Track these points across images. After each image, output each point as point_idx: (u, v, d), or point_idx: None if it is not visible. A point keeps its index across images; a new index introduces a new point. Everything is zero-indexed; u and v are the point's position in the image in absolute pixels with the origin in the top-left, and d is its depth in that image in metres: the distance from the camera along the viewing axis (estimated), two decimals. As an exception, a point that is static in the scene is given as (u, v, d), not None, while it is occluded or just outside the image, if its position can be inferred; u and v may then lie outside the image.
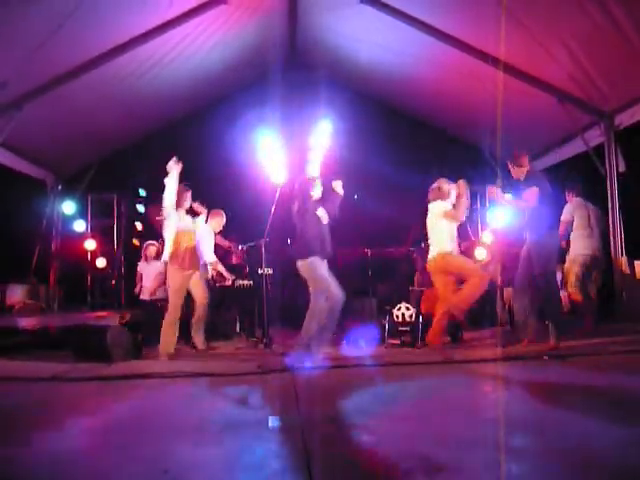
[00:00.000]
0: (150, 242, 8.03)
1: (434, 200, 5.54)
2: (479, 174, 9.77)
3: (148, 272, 7.85)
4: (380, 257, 8.19)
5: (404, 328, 6.33)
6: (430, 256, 5.49)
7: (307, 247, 5.29)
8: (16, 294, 8.80)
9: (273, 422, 2.84)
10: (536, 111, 8.32)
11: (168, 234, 5.88)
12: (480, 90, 8.30)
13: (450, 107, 9.68)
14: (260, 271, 6.73)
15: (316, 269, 5.22)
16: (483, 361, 4.89)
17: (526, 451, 2.30)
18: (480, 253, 8.87)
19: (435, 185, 5.61)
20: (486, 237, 9.23)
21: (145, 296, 7.70)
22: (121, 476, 2.08)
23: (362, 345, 6.21)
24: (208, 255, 6.63)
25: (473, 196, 10.53)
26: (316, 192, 5.64)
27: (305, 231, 5.35)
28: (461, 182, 5.52)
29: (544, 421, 2.78)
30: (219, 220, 6.95)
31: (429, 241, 5.61)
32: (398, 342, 6.33)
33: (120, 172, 10.31)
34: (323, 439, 2.50)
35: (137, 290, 7.98)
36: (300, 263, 5.26)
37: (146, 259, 8.03)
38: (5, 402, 3.66)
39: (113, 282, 10.10)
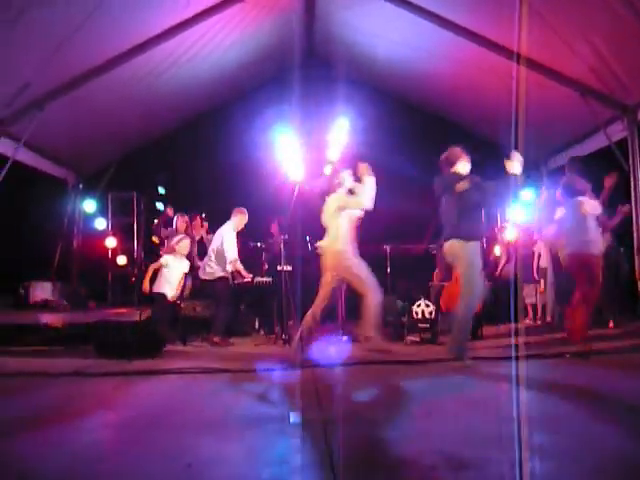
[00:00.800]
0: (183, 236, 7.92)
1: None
2: (499, 171, 9.69)
3: (174, 268, 7.65)
4: (399, 253, 8.15)
5: (424, 325, 6.30)
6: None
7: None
8: (39, 291, 8.93)
9: (294, 418, 2.84)
10: (557, 106, 8.21)
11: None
12: (499, 85, 8.21)
13: (469, 103, 9.61)
14: (279, 268, 6.75)
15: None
16: (504, 358, 4.84)
17: (548, 450, 2.28)
18: (496, 249, 8.83)
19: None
20: (506, 233, 9.14)
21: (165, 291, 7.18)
22: (146, 469, 2.10)
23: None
24: (229, 253, 6.68)
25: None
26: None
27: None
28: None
29: (566, 420, 2.76)
30: (242, 218, 7.00)
31: None
32: (418, 339, 6.31)
33: (139, 170, 10.40)
34: (345, 435, 2.50)
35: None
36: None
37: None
38: (29, 397, 3.71)
39: (133, 279, 10.17)
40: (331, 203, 5.28)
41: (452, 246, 4.91)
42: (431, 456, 2.16)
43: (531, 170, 9.96)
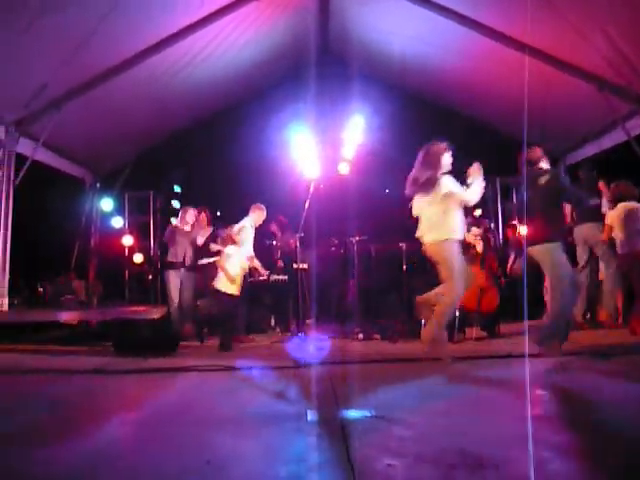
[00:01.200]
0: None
1: None
2: (514, 166, 9.60)
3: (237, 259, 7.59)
4: (415, 251, 8.11)
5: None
6: None
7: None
8: (57, 289, 9.04)
9: (311, 415, 2.85)
10: (573, 100, 8.11)
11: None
12: (515, 80, 8.12)
13: (484, 98, 9.53)
14: (295, 266, 6.77)
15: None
16: (521, 356, 4.80)
17: (568, 450, 2.26)
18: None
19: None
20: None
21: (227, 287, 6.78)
22: (164, 466, 2.11)
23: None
24: (245, 250, 6.72)
25: (509, 188, 10.44)
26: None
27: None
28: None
29: (586, 420, 2.73)
30: (260, 214, 7.04)
31: None
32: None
33: (155, 169, 10.48)
34: (362, 432, 2.50)
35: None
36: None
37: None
38: (51, 394, 3.76)
39: (150, 277, 10.26)
40: (442, 185, 4.85)
41: (539, 251, 4.91)
42: (450, 455, 2.15)
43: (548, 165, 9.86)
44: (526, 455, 2.13)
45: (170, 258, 7.21)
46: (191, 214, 7.52)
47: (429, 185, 4.82)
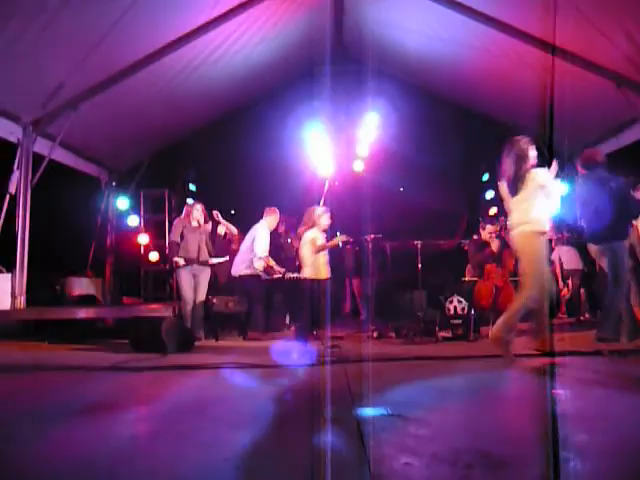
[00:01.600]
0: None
1: None
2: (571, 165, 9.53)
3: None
4: (430, 249, 8.10)
5: (456, 321, 6.25)
6: None
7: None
8: (75, 287, 9.12)
9: (328, 413, 2.85)
10: (591, 97, 8.01)
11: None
12: (532, 77, 8.06)
13: (501, 95, 9.45)
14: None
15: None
16: (539, 355, 4.76)
17: (586, 449, 2.24)
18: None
19: None
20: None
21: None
22: (184, 463, 2.12)
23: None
24: (259, 249, 6.75)
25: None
26: None
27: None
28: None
29: (604, 419, 2.70)
30: (275, 217, 7.09)
31: None
32: (450, 335, 6.26)
33: (170, 168, 10.54)
34: (379, 431, 2.50)
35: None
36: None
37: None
38: (67, 391, 3.80)
39: (165, 275, 10.32)
40: (536, 177, 4.75)
41: (605, 249, 5.30)
42: (468, 454, 2.14)
43: (565, 163, 9.77)
44: (545, 455, 2.11)
45: (181, 254, 7.03)
46: (199, 210, 7.26)
47: (521, 178, 4.79)
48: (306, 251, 6.32)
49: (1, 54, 6.27)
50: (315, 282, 6.21)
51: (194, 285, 6.96)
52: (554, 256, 8.26)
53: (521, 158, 4.82)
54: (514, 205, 4.86)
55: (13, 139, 7.72)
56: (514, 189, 4.82)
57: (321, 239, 6.37)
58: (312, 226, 6.40)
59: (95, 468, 2.12)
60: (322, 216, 6.45)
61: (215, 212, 7.47)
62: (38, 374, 4.53)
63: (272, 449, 2.30)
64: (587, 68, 7.55)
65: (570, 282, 8.18)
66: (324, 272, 6.34)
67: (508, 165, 4.90)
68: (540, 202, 4.71)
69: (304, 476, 1.98)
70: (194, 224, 7.21)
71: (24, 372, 4.61)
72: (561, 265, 8.17)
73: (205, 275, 7.10)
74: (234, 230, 7.57)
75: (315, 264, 6.25)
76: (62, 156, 8.84)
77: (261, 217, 7.29)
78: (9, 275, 7.71)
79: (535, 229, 4.64)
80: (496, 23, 7.47)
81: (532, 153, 4.89)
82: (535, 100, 8.06)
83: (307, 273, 6.27)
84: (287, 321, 7.85)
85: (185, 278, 6.95)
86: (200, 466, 2.09)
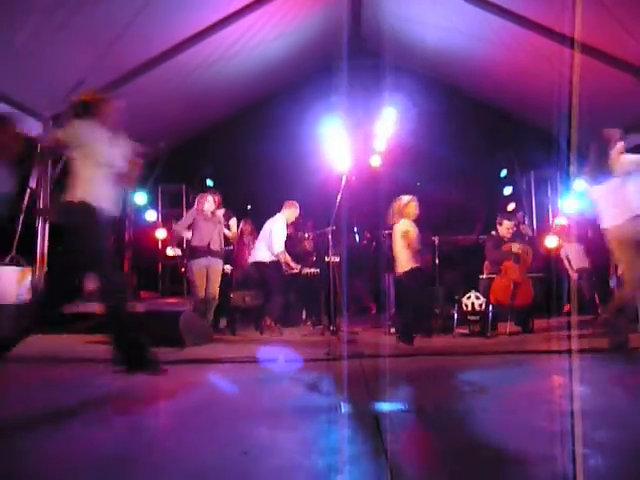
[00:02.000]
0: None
1: None
2: (549, 159, 9.43)
3: None
4: (448, 245, 8.05)
5: (473, 317, 6.22)
6: None
7: None
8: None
9: (345, 408, 2.85)
10: (612, 91, 7.90)
11: None
12: (551, 71, 7.96)
13: (520, 91, 9.35)
14: (327, 259, 6.78)
15: None
16: (557, 352, 4.72)
17: (605, 445, 2.21)
18: (551, 240, 8.61)
19: None
20: (558, 224, 8.91)
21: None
22: (201, 457, 2.14)
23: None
24: (276, 245, 6.74)
25: (544, 182, 10.26)
26: None
27: None
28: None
29: (625, 416, 2.67)
30: (294, 211, 7.06)
31: None
32: (467, 331, 6.23)
33: (188, 163, 10.58)
34: (397, 426, 2.49)
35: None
36: None
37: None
38: (86, 384, 3.84)
39: (182, 270, 10.39)
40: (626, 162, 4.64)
41: None
42: (487, 450, 2.12)
43: (584, 159, 9.65)
44: (565, 452, 2.10)
45: (195, 242, 6.85)
46: (210, 202, 7.07)
47: (608, 169, 4.72)
48: (399, 245, 5.88)
49: (21, 51, 6.34)
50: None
51: (206, 275, 6.79)
52: (562, 254, 8.18)
53: (609, 149, 4.80)
54: (604, 199, 4.75)
55: (33, 134, 7.81)
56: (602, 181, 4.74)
57: (414, 231, 5.91)
58: (401, 217, 5.97)
59: (112, 460, 2.14)
60: (409, 205, 6.02)
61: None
62: (57, 366, 4.60)
63: (290, 442, 2.30)
64: (606, 61, 7.44)
65: (583, 281, 8.05)
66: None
67: (596, 156, 4.88)
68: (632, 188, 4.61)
69: (322, 469, 1.98)
70: (207, 214, 7.04)
71: (44, 364, 4.68)
72: (569, 263, 8.08)
73: (217, 266, 6.88)
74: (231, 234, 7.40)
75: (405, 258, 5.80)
76: (81, 151, 8.91)
77: (278, 212, 7.24)
78: (29, 269, 7.81)
79: (627, 217, 4.52)
80: (514, 16, 7.39)
81: (619, 144, 4.86)
82: (554, 94, 7.99)
83: (401, 268, 5.80)
84: (304, 316, 7.87)
85: (197, 269, 6.81)
86: (217, 459, 2.11)
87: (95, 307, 7.25)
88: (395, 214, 6.04)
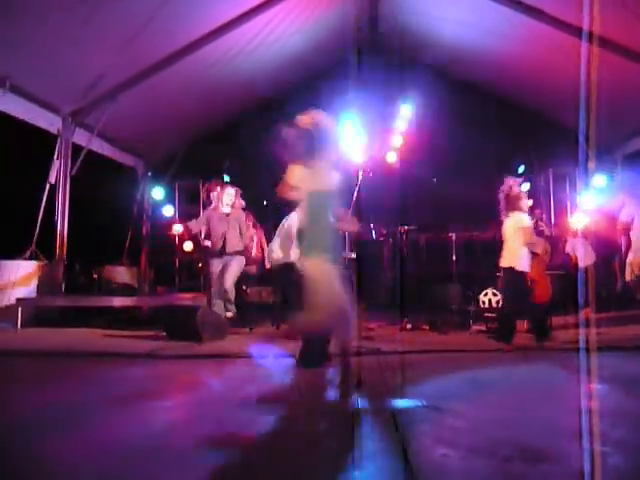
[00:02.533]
0: None
1: None
2: (569, 156, 9.33)
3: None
4: (465, 241, 8.01)
5: (490, 314, 6.18)
6: None
7: None
8: (111, 275, 9.30)
9: (363, 404, 2.85)
10: (632, 86, 7.80)
11: None
12: (569, 66, 7.82)
13: (537, 86, 9.27)
14: (343, 255, 6.76)
15: None
16: (574, 349, 4.67)
17: (624, 444, 2.20)
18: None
19: None
20: (576, 220, 8.80)
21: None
22: (219, 449, 2.16)
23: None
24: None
25: (562, 178, 10.14)
26: None
27: None
28: None
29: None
30: None
31: None
32: (484, 328, 6.20)
33: (205, 158, 10.62)
34: (415, 422, 2.49)
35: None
36: None
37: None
38: (107, 377, 3.89)
39: (199, 265, 10.44)
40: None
41: None
42: (506, 447, 2.12)
43: (604, 155, 9.54)
44: (584, 449, 2.09)
45: (210, 243, 6.83)
46: (230, 195, 6.92)
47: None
48: (515, 240, 5.33)
49: (42, 47, 6.42)
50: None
51: (222, 270, 6.76)
52: (568, 248, 8.08)
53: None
54: None
55: (53, 130, 7.91)
56: None
57: (530, 226, 5.44)
58: (513, 210, 5.43)
59: (130, 450, 2.17)
60: (521, 194, 5.50)
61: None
62: (78, 360, 4.66)
63: (309, 438, 2.31)
64: (626, 56, 7.33)
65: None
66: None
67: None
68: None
69: (342, 464, 1.99)
70: (225, 210, 6.94)
71: (64, 357, 4.74)
72: (575, 258, 7.99)
73: (235, 262, 6.80)
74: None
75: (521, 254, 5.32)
76: (100, 146, 9.01)
77: (293, 209, 7.21)
78: (49, 262, 7.92)
79: None
80: (533, 11, 7.31)
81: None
82: (572, 90, 7.87)
83: (520, 266, 5.31)
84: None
85: (213, 268, 6.83)
86: (233, 449, 2.13)
87: (114, 301, 7.39)
88: (507, 206, 5.48)
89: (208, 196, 7.43)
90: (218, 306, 6.64)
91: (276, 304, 7.00)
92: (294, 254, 6.78)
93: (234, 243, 6.85)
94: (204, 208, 10.52)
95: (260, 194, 9.09)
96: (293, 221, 6.85)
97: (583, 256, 7.91)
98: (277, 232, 7.14)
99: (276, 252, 6.86)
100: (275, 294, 7.05)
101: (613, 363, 4.12)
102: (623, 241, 7.85)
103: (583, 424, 2.42)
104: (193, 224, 7.09)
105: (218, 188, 7.23)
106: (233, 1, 7.34)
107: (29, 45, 6.30)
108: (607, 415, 2.53)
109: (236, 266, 6.82)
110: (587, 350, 4.51)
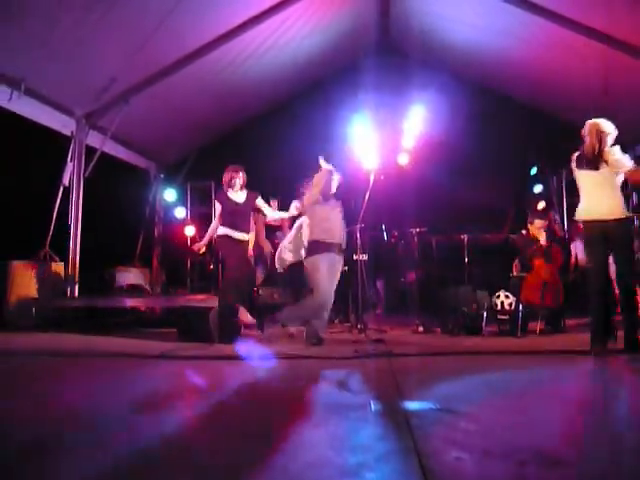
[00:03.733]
0: None
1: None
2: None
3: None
4: (477, 243, 7.96)
5: (503, 317, 6.15)
6: None
7: None
8: (123, 277, 9.36)
9: (375, 405, 2.85)
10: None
11: None
12: (584, 68, 7.83)
13: (551, 87, 9.22)
14: (355, 257, 6.76)
15: None
16: (585, 352, 4.63)
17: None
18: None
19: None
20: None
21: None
22: (233, 451, 2.16)
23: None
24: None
25: (575, 180, 10.06)
26: None
27: None
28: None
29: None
30: None
31: None
32: (496, 331, 6.17)
33: (217, 160, 10.65)
34: (428, 425, 2.48)
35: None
36: None
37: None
38: (119, 378, 3.91)
39: (211, 266, 10.48)
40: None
41: None
42: (519, 451, 2.10)
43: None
44: (599, 453, 2.06)
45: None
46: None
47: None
48: None
49: (56, 50, 6.48)
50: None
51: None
52: (573, 251, 8.02)
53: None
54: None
55: (67, 132, 7.98)
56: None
57: None
58: None
59: (144, 456, 2.18)
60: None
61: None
62: (91, 360, 4.68)
63: (321, 439, 2.31)
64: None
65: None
66: None
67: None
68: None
69: (354, 466, 1.98)
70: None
71: (75, 358, 4.77)
72: (576, 257, 7.91)
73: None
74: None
75: None
76: (113, 149, 9.09)
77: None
78: (62, 264, 7.98)
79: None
80: (546, 12, 7.28)
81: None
82: (587, 92, 7.85)
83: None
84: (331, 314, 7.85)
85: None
86: (247, 454, 2.13)
87: (126, 302, 7.43)
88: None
89: None
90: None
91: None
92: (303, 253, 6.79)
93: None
94: (215, 209, 10.52)
95: (272, 196, 9.10)
96: (302, 224, 6.86)
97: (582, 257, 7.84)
98: (288, 235, 7.15)
99: (287, 255, 6.88)
100: (285, 295, 7.05)
101: (630, 366, 4.08)
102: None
103: (599, 428, 2.40)
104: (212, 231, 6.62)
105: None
106: (244, 4, 7.37)
107: (43, 48, 6.38)
108: (624, 419, 2.50)
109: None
110: (597, 353, 4.47)
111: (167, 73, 7.87)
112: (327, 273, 5.27)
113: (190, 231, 10.55)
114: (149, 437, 2.38)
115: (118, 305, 7.47)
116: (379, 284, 8.91)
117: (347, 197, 7.85)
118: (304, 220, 6.84)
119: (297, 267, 6.85)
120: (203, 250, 10.19)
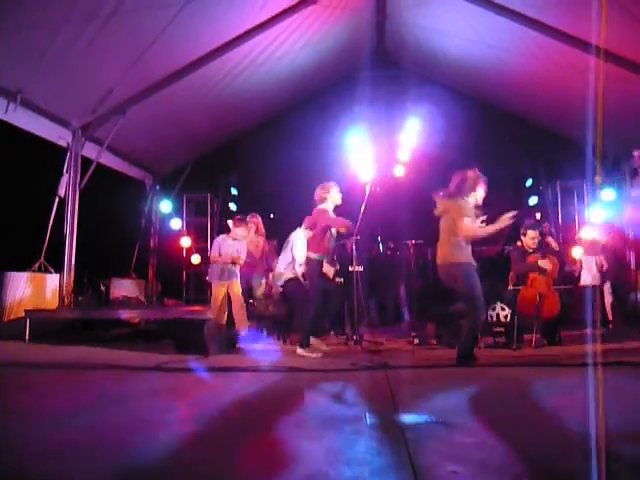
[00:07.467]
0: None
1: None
2: (576, 169, 9.31)
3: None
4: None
5: (499, 329, 6.15)
6: None
7: None
8: (119, 288, 9.33)
9: (371, 419, 2.84)
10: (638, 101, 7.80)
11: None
12: (578, 81, 7.87)
13: (546, 100, 9.28)
14: (351, 269, 6.76)
15: None
16: (583, 364, 4.64)
17: (637, 462, 2.17)
18: (576, 251, 8.48)
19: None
20: (584, 234, 8.77)
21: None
22: (228, 466, 2.15)
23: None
24: (298, 255, 6.72)
25: (570, 192, 10.13)
26: None
27: None
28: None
29: None
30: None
31: None
32: (492, 342, 6.17)
33: (213, 172, 10.70)
34: (423, 438, 2.48)
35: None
36: None
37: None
38: (114, 390, 3.89)
39: (207, 278, 10.46)
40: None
41: None
42: (516, 464, 2.10)
43: (611, 168, 9.52)
44: (595, 466, 2.06)
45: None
46: (242, 228, 7.06)
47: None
48: None
49: (53, 61, 6.50)
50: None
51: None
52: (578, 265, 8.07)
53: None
54: None
55: (63, 143, 7.98)
56: None
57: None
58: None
59: (141, 468, 2.17)
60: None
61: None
62: (85, 372, 4.66)
63: (317, 452, 2.30)
64: (634, 70, 7.34)
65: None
66: None
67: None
68: None
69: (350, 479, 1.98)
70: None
71: (71, 370, 4.75)
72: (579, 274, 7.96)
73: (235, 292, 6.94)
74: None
75: None
76: (109, 160, 9.09)
77: (300, 223, 7.23)
78: (57, 275, 7.95)
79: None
80: (541, 26, 7.34)
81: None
82: (581, 104, 7.89)
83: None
84: (327, 326, 7.83)
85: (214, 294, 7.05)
86: (243, 467, 2.12)
87: (122, 314, 7.40)
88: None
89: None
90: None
91: (283, 317, 6.99)
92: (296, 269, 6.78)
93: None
94: (211, 220, 10.55)
95: (267, 207, 9.13)
96: (296, 237, 6.83)
97: (588, 273, 7.87)
98: (283, 249, 7.14)
99: (284, 273, 6.85)
100: (280, 308, 7.04)
101: (626, 379, 4.08)
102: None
103: (596, 441, 2.40)
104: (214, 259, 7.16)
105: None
106: (240, 17, 7.41)
107: (39, 60, 6.39)
108: (621, 432, 2.50)
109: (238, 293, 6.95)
110: (595, 365, 4.48)
111: (163, 85, 7.89)
112: None
113: (186, 242, 10.54)
114: (142, 452, 2.38)
115: (113, 316, 7.43)
116: (371, 305, 8.89)
117: (343, 208, 7.89)
118: (298, 235, 6.84)
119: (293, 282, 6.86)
120: (198, 261, 10.22)
